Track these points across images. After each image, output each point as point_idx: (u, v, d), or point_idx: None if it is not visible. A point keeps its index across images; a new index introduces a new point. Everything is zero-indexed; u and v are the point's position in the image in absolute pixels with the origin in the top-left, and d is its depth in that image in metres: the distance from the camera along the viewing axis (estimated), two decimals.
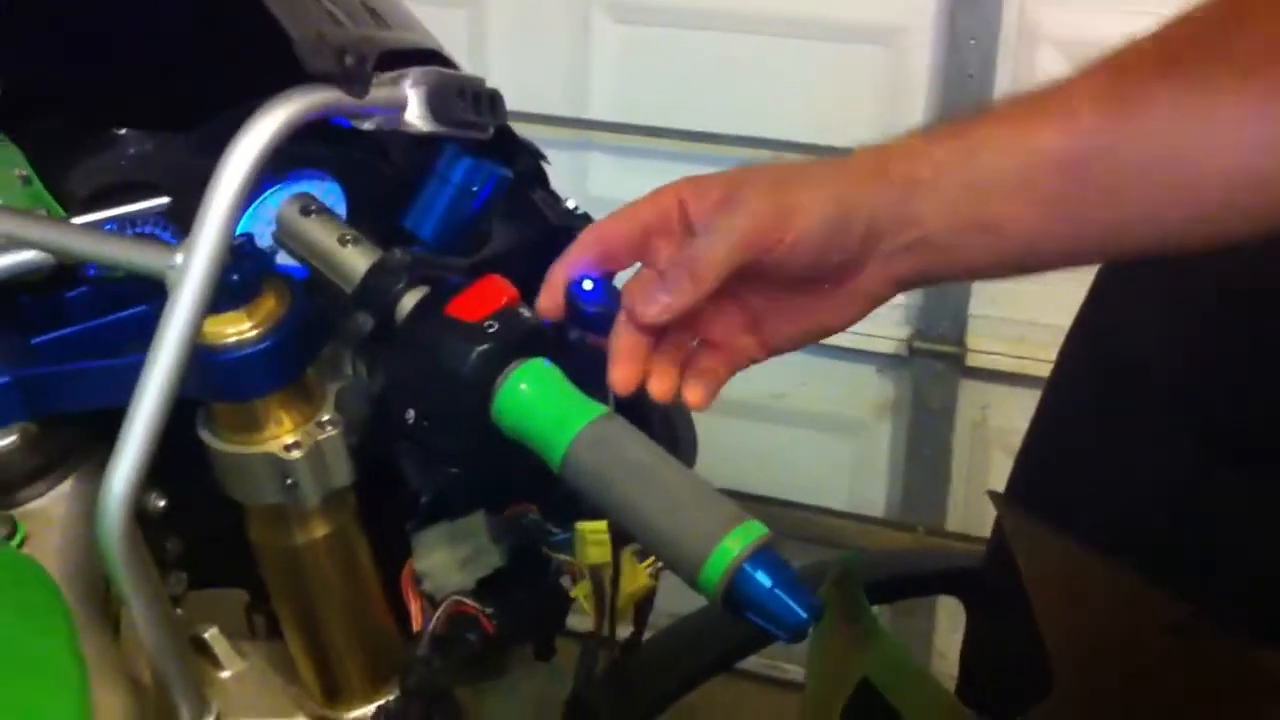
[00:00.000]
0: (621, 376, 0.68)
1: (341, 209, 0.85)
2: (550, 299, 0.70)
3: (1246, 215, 0.67)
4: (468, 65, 0.79)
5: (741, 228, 0.68)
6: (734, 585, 0.60)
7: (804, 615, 0.59)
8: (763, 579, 0.60)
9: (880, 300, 0.73)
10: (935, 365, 1.94)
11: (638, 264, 0.72)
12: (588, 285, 0.70)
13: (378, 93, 0.67)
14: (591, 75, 1.99)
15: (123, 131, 0.90)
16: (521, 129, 0.88)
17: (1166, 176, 0.67)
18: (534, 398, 0.66)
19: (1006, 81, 1.78)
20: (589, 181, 2.03)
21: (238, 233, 0.79)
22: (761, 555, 0.60)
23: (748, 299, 0.73)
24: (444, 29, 0.87)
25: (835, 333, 0.75)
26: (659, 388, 0.69)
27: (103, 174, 0.88)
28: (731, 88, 1.92)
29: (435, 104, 0.70)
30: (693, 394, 0.71)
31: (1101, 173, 0.68)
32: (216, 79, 0.83)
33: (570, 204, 0.88)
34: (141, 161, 0.90)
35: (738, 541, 0.60)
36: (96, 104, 0.89)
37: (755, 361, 0.75)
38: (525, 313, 0.69)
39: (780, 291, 0.72)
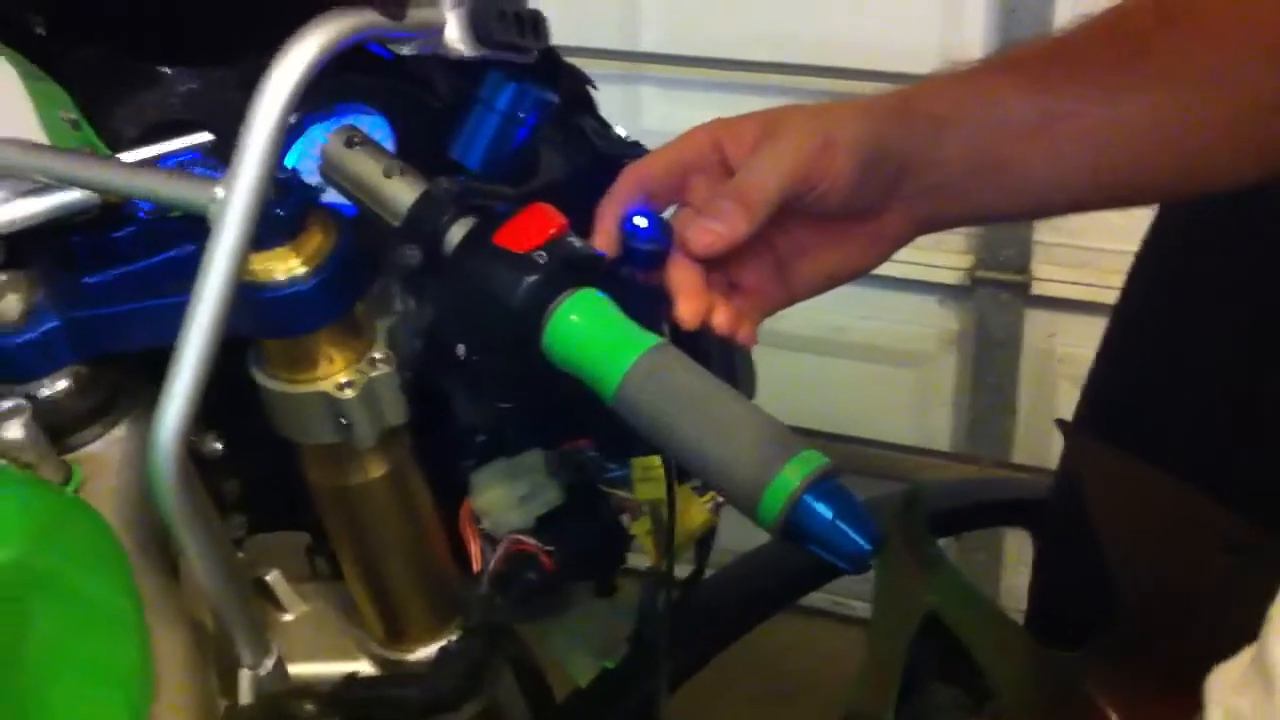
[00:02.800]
0: (690, 310, 0.67)
1: (389, 142, 0.84)
2: (603, 238, 0.69)
3: (1231, 165, 0.72)
4: None
5: (790, 157, 0.68)
6: (794, 516, 0.58)
7: (866, 545, 0.58)
8: (823, 510, 0.58)
9: (900, 243, 0.75)
10: (999, 294, 1.91)
11: (673, 206, 0.72)
12: (641, 222, 0.69)
13: (415, 14, 0.66)
14: (642, 6, 1.96)
15: (168, 70, 0.89)
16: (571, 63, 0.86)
17: (1163, 130, 0.70)
18: (586, 328, 0.65)
19: (1067, 3, 1.73)
20: (642, 115, 2.00)
21: (284, 167, 0.79)
22: (822, 485, 0.59)
23: (776, 242, 0.73)
24: None
25: (855, 277, 0.75)
26: (723, 320, 0.69)
27: (149, 113, 0.87)
28: (784, 15, 1.88)
29: (476, 25, 0.68)
30: (746, 331, 0.71)
31: (1106, 121, 0.70)
32: (261, 13, 0.82)
33: (620, 132, 0.86)
34: (189, 99, 0.89)
35: (797, 471, 0.59)
36: (141, 42, 0.88)
37: (779, 308, 0.75)
38: (576, 242, 0.67)
39: (808, 233, 0.73)
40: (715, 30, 1.92)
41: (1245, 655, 0.49)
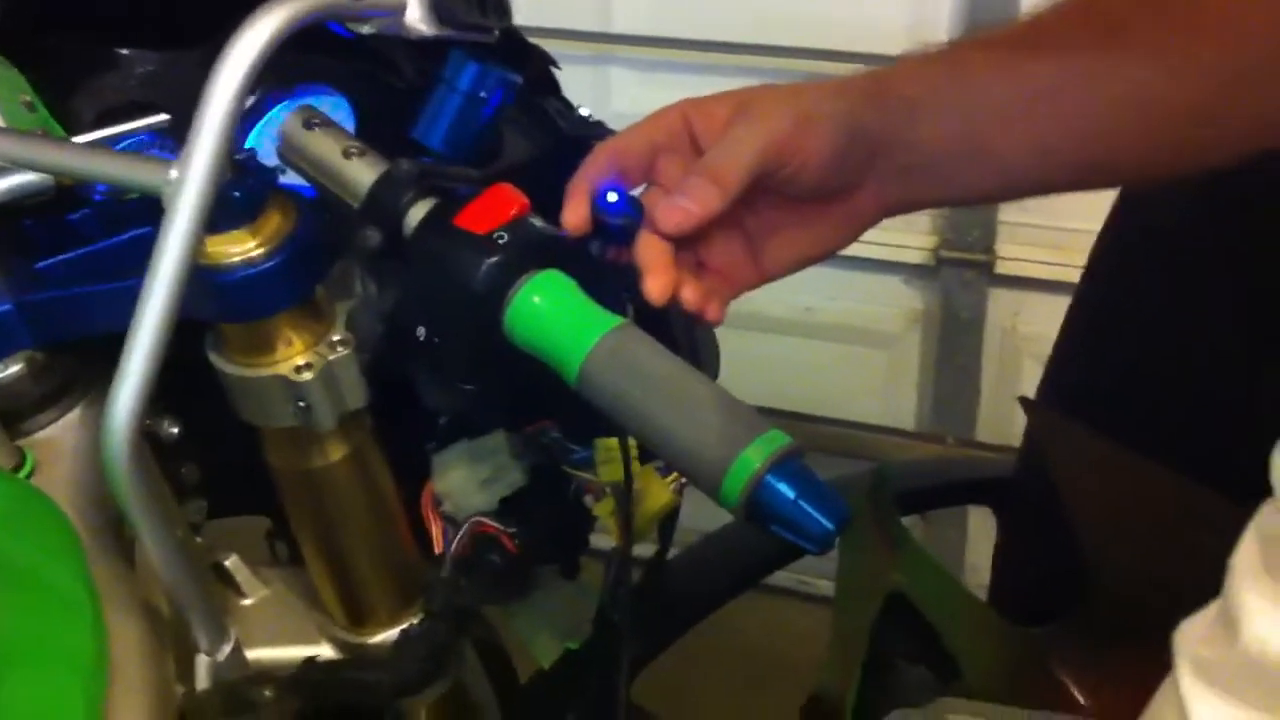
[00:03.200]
0: (658, 286, 0.67)
1: (350, 123, 0.83)
2: (575, 213, 0.68)
3: (1204, 147, 0.71)
4: None
5: (763, 135, 0.68)
6: (756, 496, 0.58)
7: (830, 526, 0.58)
8: (786, 490, 0.58)
9: (868, 224, 0.74)
10: (964, 274, 1.92)
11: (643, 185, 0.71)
12: (612, 197, 0.68)
13: None
14: None
15: (127, 52, 0.88)
16: (543, 45, 0.85)
17: (1144, 110, 0.70)
18: (548, 310, 0.64)
19: None
20: (613, 97, 1.99)
21: (243, 149, 0.78)
22: (785, 465, 0.58)
23: (747, 223, 0.73)
24: None
25: (823, 258, 0.75)
26: (691, 296, 0.69)
27: (108, 95, 0.86)
28: None
29: (436, 5, 0.67)
30: (714, 309, 0.70)
31: (1084, 102, 0.70)
32: None
33: (584, 112, 0.86)
34: (147, 81, 0.87)
35: (760, 451, 0.58)
36: (99, 24, 0.87)
37: (749, 288, 0.75)
38: (537, 223, 0.67)
39: (778, 213, 0.73)
40: (687, 12, 1.91)
41: (1212, 608, 0.50)
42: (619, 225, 0.68)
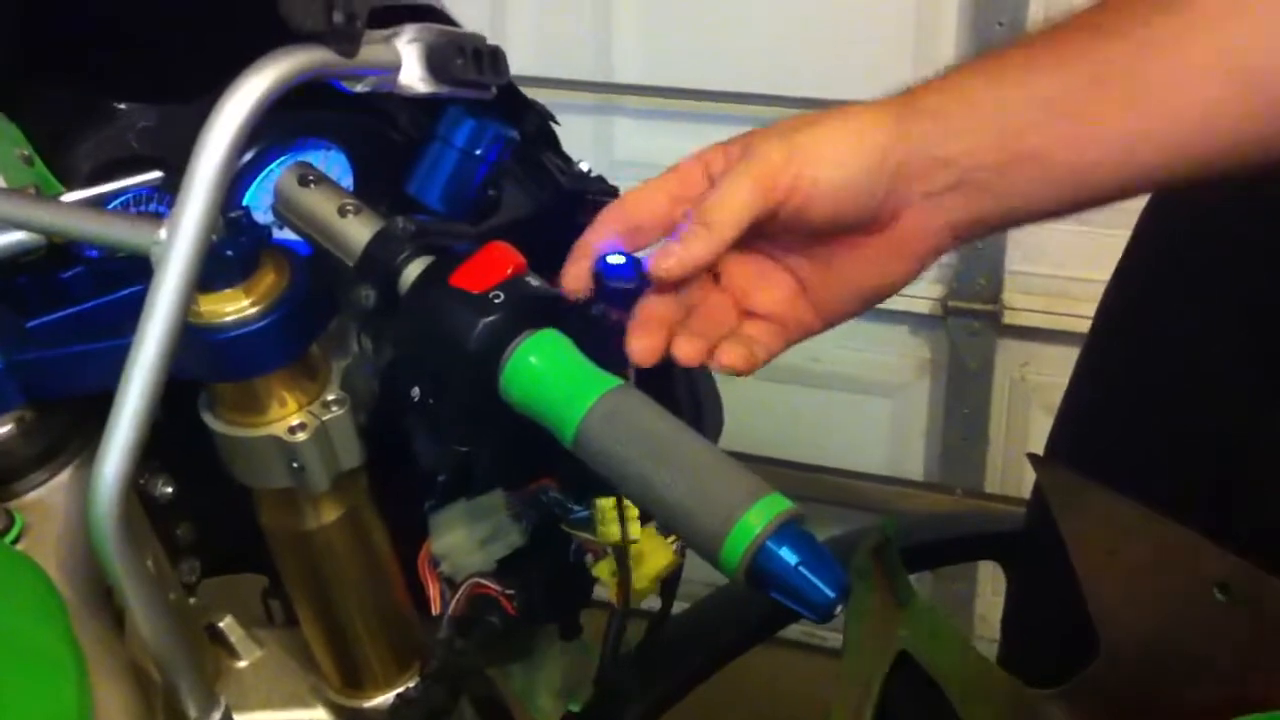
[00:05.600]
0: (639, 347, 0.65)
1: (348, 178, 0.82)
2: (576, 275, 0.66)
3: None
4: (489, 31, 0.76)
5: (754, 172, 0.65)
6: (757, 563, 0.57)
7: (831, 594, 0.56)
8: (787, 556, 0.56)
9: (938, 251, 0.69)
10: (972, 324, 1.90)
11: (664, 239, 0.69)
12: (616, 260, 0.67)
13: (369, 51, 0.64)
14: (615, 37, 1.95)
15: (125, 105, 0.87)
16: (546, 94, 0.85)
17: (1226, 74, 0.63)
18: (544, 371, 0.63)
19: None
20: (616, 145, 1.99)
21: (242, 205, 0.77)
22: (786, 531, 0.57)
23: (791, 263, 0.70)
24: None
25: (894, 292, 0.71)
26: (684, 350, 0.66)
27: (105, 149, 0.85)
28: (758, 45, 1.88)
29: (433, 62, 0.67)
30: (728, 354, 0.67)
31: (1162, 75, 0.64)
32: (219, 46, 0.80)
33: (584, 166, 0.85)
34: (145, 136, 0.87)
35: (760, 517, 0.57)
36: (99, 78, 0.87)
37: (812, 332, 0.72)
38: (533, 281, 0.66)
39: (821, 249, 0.69)
40: (690, 62, 1.91)
41: None
42: (618, 289, 0.67)
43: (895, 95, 0.69)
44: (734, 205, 0.65)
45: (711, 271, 0.71)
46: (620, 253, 0.67)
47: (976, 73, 0.68)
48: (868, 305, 0.71)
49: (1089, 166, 0.66)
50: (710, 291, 0.71)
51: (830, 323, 0.72)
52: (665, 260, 0.65)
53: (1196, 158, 0.66)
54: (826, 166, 0.66)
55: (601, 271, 0.67)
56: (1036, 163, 0.66)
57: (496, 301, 0.64)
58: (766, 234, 0.68)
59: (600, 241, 0.67)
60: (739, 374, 0.68)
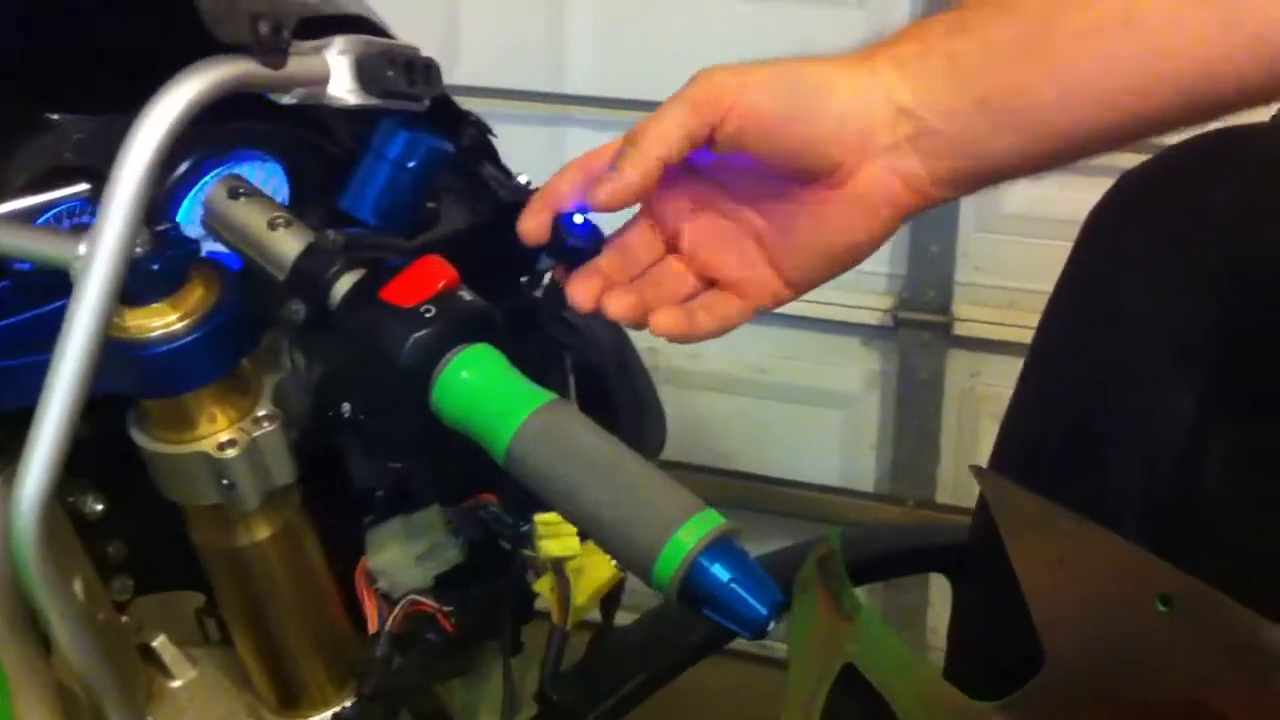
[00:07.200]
0: (576, 289, 0.66)
1: (285, 191, 0.81)
2: (537, 226, 0.67)
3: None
4: (441, 43, 0.75)
5: (694, 94, 0.65)
6: (689, 580, 0.56)
7: (764, 611, 0.56)
8: (719, 572, 0.56)
9: (899, 209, 0.67)
10: (922, 335, 1.91)
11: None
12: (579, 219, 0.68)
13: (297, 63, 0.63)
14: (568, 48, 1.95)
15: (58, 116, 0.86)
16: (499, 105, 0.84)
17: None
18: (475, 386, 0.63)
19: None
20: (568, 156, 1.98)
21: (172, 219, 0.76)
22: (719, 547, 0.57)
23: (751, 224, 0.69)
24: (416, 7, 0.83)
25: (860, 256, 0.69)
26: (615, 305, 0.66)
27: (40, 161, 0.84)
28: (712, 57, 1.86)
29: (363, 74, 0.66)
30: (663, 319, 0.67)
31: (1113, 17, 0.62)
32: (157, 57, 0.79)
33: (523, 179, 0.84)
34: (79, 147, 0.86)
35: (693, 533, 0.57)
36: (32, 89, 0.86)
37: (781, 300, 0.70)
38: (467, 295, 0.65)
39: (781, 207, 0.68)
40: (643, 73, 1.91)
41: None
42: (575, 248, 0.68)
43: (858, 49, 0.67)
44: (664, 124, 0.64)
45: (664, 235, 0.71)
46: (584, 212, 0.67)
47: (935, 23, 0.66)
48: (834, 269, 0.70)
49: (1046, 107, 0.64)
50: (670, 260, 0.71)
51: (799, 289, 0.70)
52: (599, 189, 0.64)
53: (1166, 90, 0.63)
54: (768, 94, 0.64)
55: (564, 225, 0.67)
56: (990, 108, 0.64)
57: (428, 315, 0.63)
58: (716, 177, 0.68)
59: (562, 190, 0.68)
60: (675, 340, 0.68)
